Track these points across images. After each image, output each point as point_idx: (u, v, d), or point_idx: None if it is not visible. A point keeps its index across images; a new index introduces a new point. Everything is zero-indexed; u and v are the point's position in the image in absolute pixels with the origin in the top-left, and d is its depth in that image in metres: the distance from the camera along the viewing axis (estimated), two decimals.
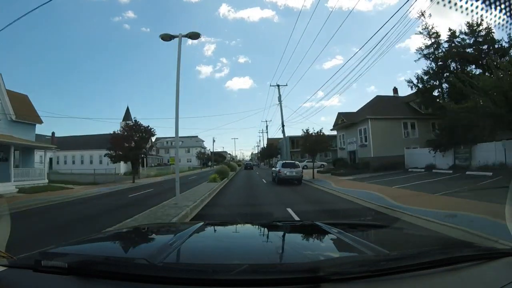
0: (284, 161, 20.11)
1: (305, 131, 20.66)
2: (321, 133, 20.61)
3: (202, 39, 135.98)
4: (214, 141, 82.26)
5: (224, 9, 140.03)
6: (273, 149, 51.21)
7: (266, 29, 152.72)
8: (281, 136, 48.65)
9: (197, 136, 74.57)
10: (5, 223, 1.83)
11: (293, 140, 42.65)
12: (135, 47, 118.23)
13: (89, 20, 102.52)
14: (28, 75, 78.28)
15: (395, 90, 30.20)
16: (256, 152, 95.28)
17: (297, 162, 19.45)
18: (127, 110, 44.61)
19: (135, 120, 23.70)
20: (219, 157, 70.70)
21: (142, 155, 24.51)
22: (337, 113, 30.13)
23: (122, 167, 31.93)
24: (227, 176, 21.16)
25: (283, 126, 29.99)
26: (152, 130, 23.10)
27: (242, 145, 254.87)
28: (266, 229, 1.84)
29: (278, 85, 30.03)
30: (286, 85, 35.24)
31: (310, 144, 20.02)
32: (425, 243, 1.54)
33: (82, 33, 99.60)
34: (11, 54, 69.41)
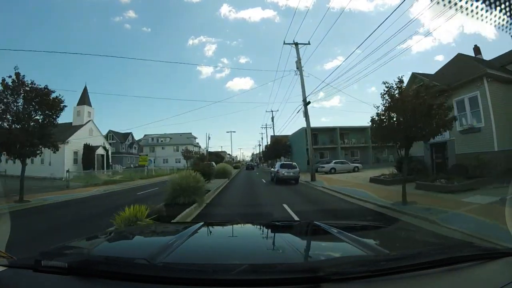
0: (282, 162, 21.77)
1: (395, 84, 8.53)
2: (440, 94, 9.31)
3: (203, 39, 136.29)
4: (209, 138, 65.20)
5: (225, 9, 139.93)
6: (280, 146, 39.67)
7: (267, 29, 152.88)
8: (288, 133, 40.90)
9: (190, 133, 65.38)
10: (5, 223, 1.82)
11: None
12: (136, 47, 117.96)
13: (89, 19, 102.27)
14: (28, 75, 77.58)
15: (477, 49, 17.88)
16: (257, 152, 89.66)
17: (294, 163, 19.79)
18: (84, 91, 32.21)
19: (17, 73, 10.96)
20: (216, 157, 59.92)
21: (47, 147, 11.94)
22: (410, 74, 16.05)
23: (71, 166, 23.18)
24: (200, 201, 8.81)
25: (305, 104, 18.80)
26: (58, 99, 11.59)
27: (242, 145, 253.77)
28: (266, 229, 1.85)
29: (296, 43, 19.03)
30: (309, 43, 19.57)
31: (408, 117, 8.00)
32: (425, 243, 1.53)
33: (82, 32, 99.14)
34: (10, 54, 68.41)
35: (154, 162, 34.35)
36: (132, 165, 43.35)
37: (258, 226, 1.96)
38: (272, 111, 47.68)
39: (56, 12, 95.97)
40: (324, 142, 35.37)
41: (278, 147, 40.08)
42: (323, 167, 26.15)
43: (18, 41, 75.46)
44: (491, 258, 1.05)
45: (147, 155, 38.31)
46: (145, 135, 62.40)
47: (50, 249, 1.23)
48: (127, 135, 52.75)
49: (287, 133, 43.92)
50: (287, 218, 6.58)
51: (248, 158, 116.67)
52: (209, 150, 61.47)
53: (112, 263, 1.00)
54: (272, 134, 47.30)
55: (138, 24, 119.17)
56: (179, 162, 51.65)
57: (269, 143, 49.49)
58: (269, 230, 1.81)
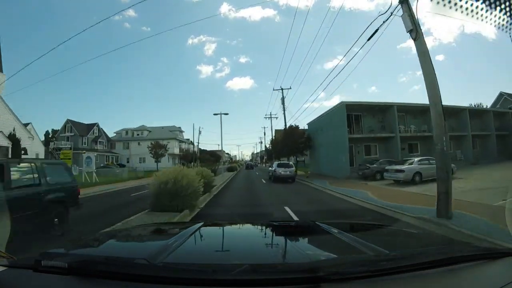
0: (279, 162, 21.69)
1: None
2: None
3: (203, 38, 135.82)
4: (200, 132, 53.63)
5: (225, 8, 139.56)
6: (296, 138, 25.91)
7: (268, 29, 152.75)
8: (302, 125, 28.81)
9: (175, 126, 53.21)
10: (5, 223, 1.82)
11: (349, 115, 20.57)
12: (136, 46, 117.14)
13: (88, 18, 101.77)
14: (25, 75, 76.04)
15: None
16: (258, 151, 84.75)
17: (291, 163, 20.71)
18: None
19: None
20: (211, 156, 49.79)
21: None
22: None
23: None
24: None
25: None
26: None
27: (241, 144, 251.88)
28: (266, 229, 1.85)
29: None
30: None
31: None
32: (425, 243, 1.54)
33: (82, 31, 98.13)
34: (9, 54, 66.82)
35: (91, 162, 20.81)
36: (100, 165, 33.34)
37: (258, 226, 1.96)
38: (282, 89, 29.07)
39: (54, 8, 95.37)
40: (372, 129, 21.45)
41: (293, 138, 25.79)
42: (400, 170, 13.62)
43: (14, 40, 74.29)
44: (491, 258, 1.05)
45: (71, 148, 24.59)
46: (123, 129, 50.98)
47: (50, 249, 1.23)
48: (91, 126, 42.87)
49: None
50: (287, 218, 6.57)
51: (247, 158, 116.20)
52: (203, 149, 50.81)
53: (112, 263, 1.00)
54: (281, 127, 31.37)
55: (138, 23, 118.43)
56: (159, 161, 38.61)
57: (273, 137, 37.62)
58: (269, 230, 1.81)
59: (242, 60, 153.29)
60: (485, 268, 0.99)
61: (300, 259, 1.16)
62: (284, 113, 29.59)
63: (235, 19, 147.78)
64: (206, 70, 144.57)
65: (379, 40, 9.73)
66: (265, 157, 58.62)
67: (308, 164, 31.32)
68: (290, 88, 35.32)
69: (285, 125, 29.14)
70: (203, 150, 56.02)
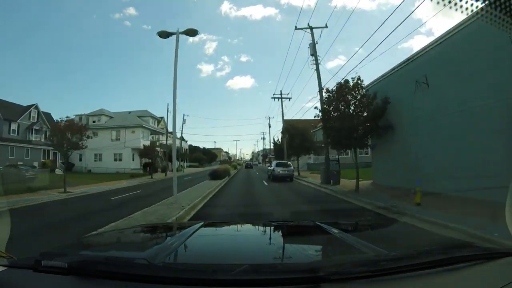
0: (277, 161, 22.03)
1: None
2: None
3: (204, 37, 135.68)
4: (184, 121, 38.39)
5: (225, 6, 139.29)
6: (359, 108, 10.89)
7: (269, 28, 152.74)
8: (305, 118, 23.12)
9: (158, 115, 40.44)
10: (5, 222, 1.82)
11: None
12: (136, 45, 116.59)
13: (89, 17, 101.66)
14: (25, 74, 74.70)
15: None
16: (259, 149, 79.44)
17: (289, 162, 21.17)
18: None
19: None
20: (205, 155, 40.66)
21: None
22: None
23: None
24: None
25: None
26: None
27: (242, 142, 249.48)
28: (266, 228, 1.86)
29: None
30: None
31: None
32: (425, 243, 1.54)
33: (82, 31, 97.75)
34: (8, 55, 64.89)
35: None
36: (20, 163, 22.36)
37: (258, 226, 1.96)
38: (311, 28, 17.47)
39: (53, 8, 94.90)
40: None
41: (347, 117, 10.82)
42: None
43: (12, 40, 73.87)
44: (491, 258, 1.05)
45: None
46: (76, 115, 34.20)
47: (50, 249, 1.23)
48: (27, 109, 29.57)
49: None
50: (287, 218, 6.57)
51: (248, 157, 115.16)
52: (197, 146, 40.57)
53: (112, 263, 1.00)
54: (290, 117, 23.60)
55: (138, 21, 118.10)
56: (120, 159, 30.78)
57: (284, 128, 29.08)
58: (269, 230, 1.82)
59: (243, 59, 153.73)
60: (485, 268, 0.99)
61: (300, 259, 1.17)
62: (317, 67, 16.94)
63: (236, 18, 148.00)
64: (206, 69, 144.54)
65: (379, 40, 9.49)
66: (269, 156, 47.39)
67: (361, 163, 13.60)
68: (326, 26, 17.54)
69: (320, 87, 16.33)
70: (195, 147, 45.96)
